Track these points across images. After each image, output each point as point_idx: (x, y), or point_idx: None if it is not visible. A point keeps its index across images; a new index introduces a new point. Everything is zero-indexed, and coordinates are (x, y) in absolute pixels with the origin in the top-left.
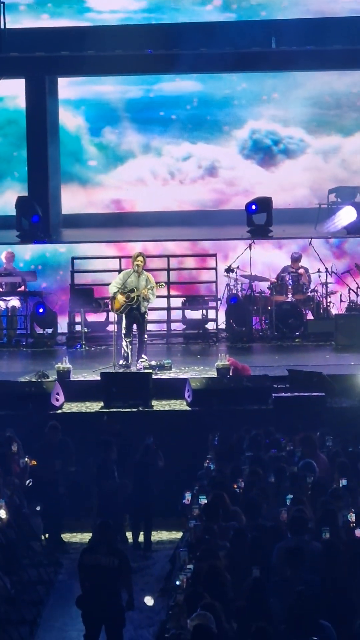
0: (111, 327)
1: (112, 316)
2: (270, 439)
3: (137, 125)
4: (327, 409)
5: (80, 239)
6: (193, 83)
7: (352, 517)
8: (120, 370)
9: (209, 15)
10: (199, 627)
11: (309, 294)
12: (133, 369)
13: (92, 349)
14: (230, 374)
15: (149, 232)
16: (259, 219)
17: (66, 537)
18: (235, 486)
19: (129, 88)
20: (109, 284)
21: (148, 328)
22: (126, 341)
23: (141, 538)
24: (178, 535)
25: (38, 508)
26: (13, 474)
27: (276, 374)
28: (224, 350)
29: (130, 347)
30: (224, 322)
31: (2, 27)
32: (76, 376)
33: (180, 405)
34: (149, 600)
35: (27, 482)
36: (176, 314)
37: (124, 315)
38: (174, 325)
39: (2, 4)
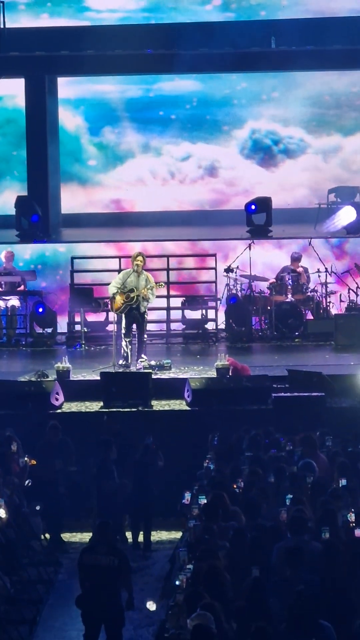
0: (111, 327)
1: (112, 316)
2: (270, 439)
3: (137, 124)
4: (327, 409)
5: (79, 239)
6: (192, 83)
7: (351, 517)
8: (120, 370)
9: (208, 15)
10: (198, 627)
11: (309, 294)
12: (133, 368)
13: (92, 348)
14: (230, 374)
15: (149, 232)
16: (259, 219)
17: (66, 536)
18: (235, 486)
19: (129, 87)
20: (108, 284)
21: (148, 328)
22: (126, 341)
23: (141, 538)
24: (178, 535)
25: (38, 507)
26: (13, 474)
27: (276, 374)
28: (223, 350)
29: (130, 347)
30: (224, 322)
31: (2, 26)
32: (76, 376)
33: (179, 405)
34: (151, 605)
35: (26, 482)
36: (176, 314)
37: (123, 315)
38: (173, 325)
39: (1, 4)
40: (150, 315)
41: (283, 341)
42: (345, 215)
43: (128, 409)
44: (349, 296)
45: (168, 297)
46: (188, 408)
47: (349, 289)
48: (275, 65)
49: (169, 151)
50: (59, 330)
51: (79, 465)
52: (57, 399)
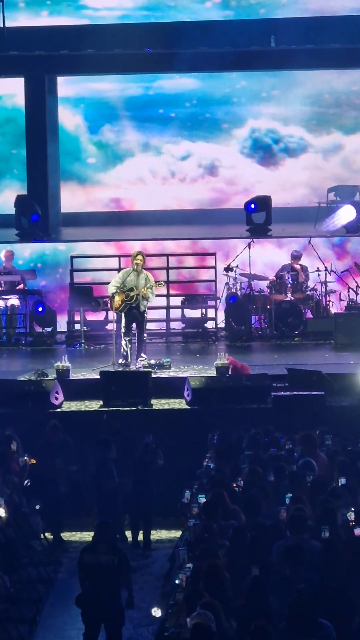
0: (110, 326)
1: (112, 315)
2: (270, 438)
3: (136, 123)
4: (327, 407)
5: (79, 238)
6: (192, 81)
7: (351, 515)
8: (120, 369)
9: (207, 14)
10: (198, 625)
11: (309, 292)
12: (132, 367)
13: (92, 347)
14: (230, 372)
15: (149, 231)
16: (258, 217)
17: (66, 536)
18: (235, 485)
19: (128, 86)
20: (108, 283)
21: (147, 327)
22: (125, 340)
23: (140, 537)
24: (177, 534)
25: (38, 507)
26: (12, 473)
27: (275, 372)
28: (223, 349)
29: (130, 345)
30: (223, 321)
31: (2, 25)
32: (75, 375)
33: (179, 404)
34: (156, 612)
35: (26, 482)
36: (175, 313)
37: (123, 314)
38: (173, 324)
39: (1, 3)
40: (150, 314)
41: (283, 340)
42: (345, 214)
43: (128, 408)
44: (348, 295)
45: (168, 296)
46: (188, 407)
47: (349, 288)
48: (275, 64)
49: (169, 150)
50: (58, 330)
51: (78, 465)
52: (56, 398)
